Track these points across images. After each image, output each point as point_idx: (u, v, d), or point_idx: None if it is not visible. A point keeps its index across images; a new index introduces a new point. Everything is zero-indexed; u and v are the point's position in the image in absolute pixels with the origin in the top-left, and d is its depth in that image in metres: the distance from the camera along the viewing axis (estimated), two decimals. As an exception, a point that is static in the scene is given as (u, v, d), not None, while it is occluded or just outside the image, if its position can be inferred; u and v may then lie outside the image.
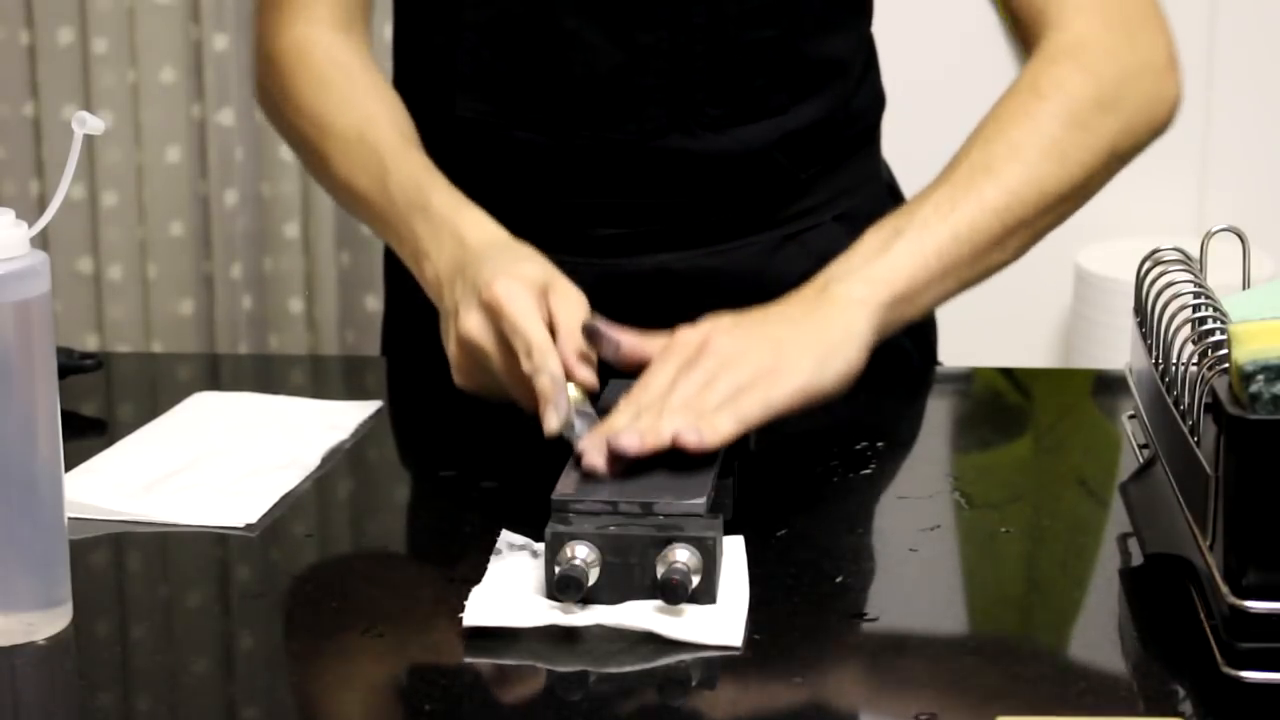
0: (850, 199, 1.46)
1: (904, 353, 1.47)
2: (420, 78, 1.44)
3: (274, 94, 1.43)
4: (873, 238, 1.23)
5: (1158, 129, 1.35)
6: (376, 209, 1.32)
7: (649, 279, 1.40)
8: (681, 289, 1.39)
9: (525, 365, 1.13)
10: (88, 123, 0.98)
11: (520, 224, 1.27)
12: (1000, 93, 1.33)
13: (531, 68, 1.37)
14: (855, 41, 1.44)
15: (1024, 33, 1.37)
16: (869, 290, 1.19)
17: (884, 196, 1.50)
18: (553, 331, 1.15)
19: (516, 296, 1.15)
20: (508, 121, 1.38)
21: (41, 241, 2.70)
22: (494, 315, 1.16)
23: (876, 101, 1.49)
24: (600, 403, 1.18)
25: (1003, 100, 1.30)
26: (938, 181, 1.27)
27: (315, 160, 1.40)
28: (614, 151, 1.37)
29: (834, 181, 1.44)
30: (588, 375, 1.14)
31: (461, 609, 1.00)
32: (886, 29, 1.50)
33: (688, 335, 1.15)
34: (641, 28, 1.35)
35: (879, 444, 1.27)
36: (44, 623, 0.99)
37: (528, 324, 1.14)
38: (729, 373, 1.12)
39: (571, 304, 1.16)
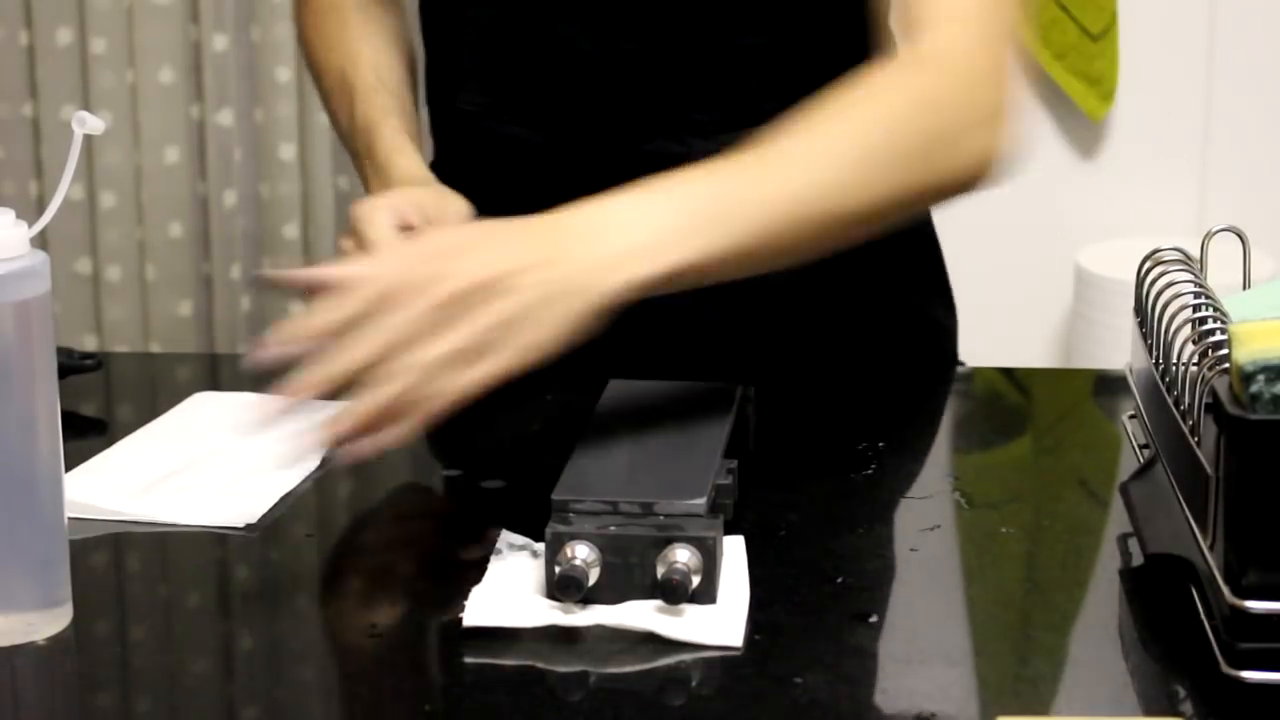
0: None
1: (916, 345, 1.48)
2: (432, 69, 1.48)
3: (301, 44, 1.52)
4: (655, 198, 1.10)
5: (972, 186, 1.22)
6: (348, 150, 1.41)
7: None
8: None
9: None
10: (87, 122, 0.98)
11: (513, 216, 1.28)
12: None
13: (527, 66, 1.38)
14: (852, 50, 1.42)
15: (882, 31, 1.30)
16: (645, 267, 1.07)
17: None
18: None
19: (367, 207, 1.21)
20: (505, 117, 1.40)
21: (40, 242, 2.69)
22: (354, 229, 1.22)
23: None
24: (602, 401, 1.18)
25: (846, 89, 1.19)
26: (747, 152, 1.14)
27: (322, 103, 1.48)
28: (603, 153, 1.38)
29: None
30: None
31: (461, 609, 1.00)
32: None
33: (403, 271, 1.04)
34: (629, 34, 1.35)
35: (879, 444, 1.27)
36: (44, 623, 0.99)
37: (370, 224, 1.19)
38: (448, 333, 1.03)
39: (440, 220, 1.21)
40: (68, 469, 1.20)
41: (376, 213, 1.22)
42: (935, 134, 1.18)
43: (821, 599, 1.04)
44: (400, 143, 1.34)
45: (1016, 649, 1.00)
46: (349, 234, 1.24)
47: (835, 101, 1.17)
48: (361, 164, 1.38)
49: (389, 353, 1.02)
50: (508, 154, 1.41)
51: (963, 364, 1.56)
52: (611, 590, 1.00)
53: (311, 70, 1.50)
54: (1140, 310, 1.12)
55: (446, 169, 1.50)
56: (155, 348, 2.70)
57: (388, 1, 1.50)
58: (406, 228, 1.22)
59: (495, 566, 1.06)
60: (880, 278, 1.47)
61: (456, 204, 1.27)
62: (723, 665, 0.96)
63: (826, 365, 1.44)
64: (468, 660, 0.97)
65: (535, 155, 1.40)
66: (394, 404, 1.03)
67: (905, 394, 1.44)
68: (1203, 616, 0.94)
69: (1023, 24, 1.25)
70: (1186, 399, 0.98)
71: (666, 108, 1.36)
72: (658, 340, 1.43)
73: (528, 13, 1.36)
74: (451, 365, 1.03)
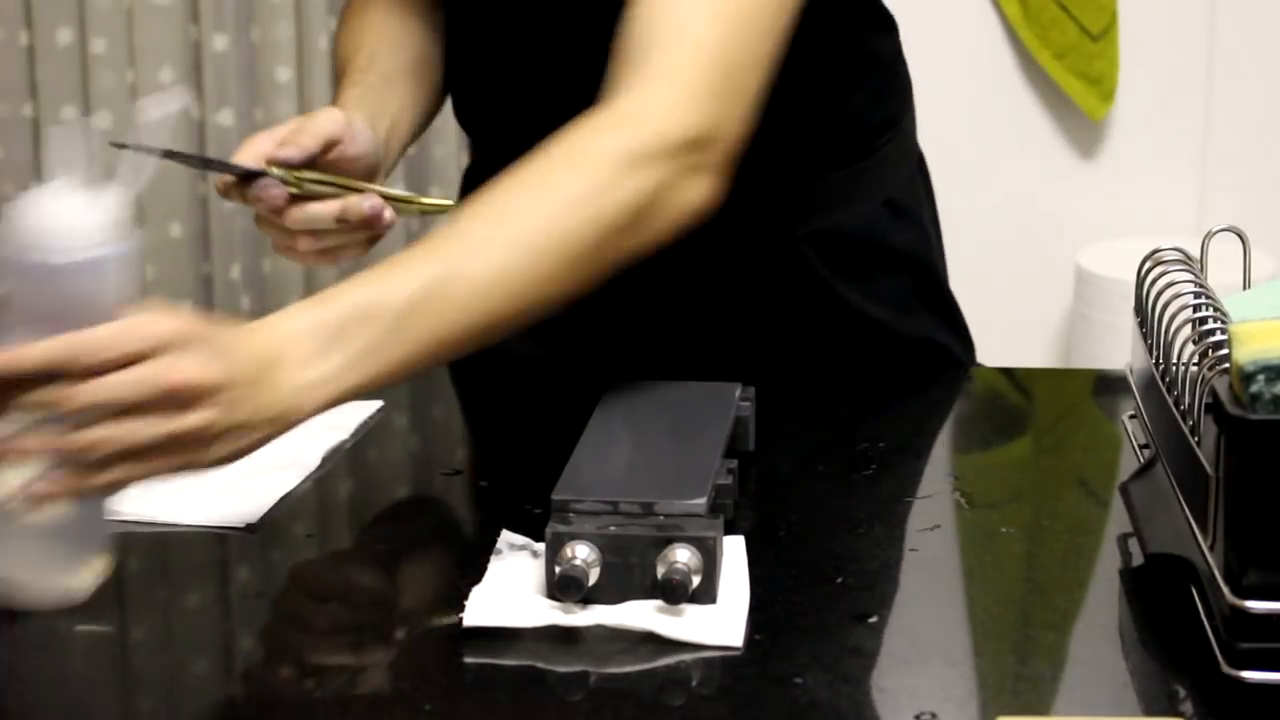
0: (836, 212, 1.42)
1: (946, 349, 1.47)
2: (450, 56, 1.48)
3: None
4: (334, 319, 1.05)
5: (679, 235, 1.18)
6: None
7: (629, 271, 1.39)
8: (658, 271, 1.38)
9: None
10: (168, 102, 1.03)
11: None
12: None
13: (509, 51, 1.39)
14: (846, 54, 1.40)
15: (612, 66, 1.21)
16: (309, 395, 1.04)
17: (876, 212, 1.44)
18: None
19: (243, 149, 1.26)
20: (494, 98, 1.40)
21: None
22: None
23: (879, 115, 1.44)
24: (602, 401, 1.18)
25: (539, 166, 1.14)
26: (432, 250, 1.10)
27: None
28: None
29: (817, 191, 1.41)
30: (280, 150, 1.24)
31: (461, 609, 1.00)
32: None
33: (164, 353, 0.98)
34: (603, 27, 1.34)
35: (879, 444, 1.27)
36: (80, 582, 1.01)
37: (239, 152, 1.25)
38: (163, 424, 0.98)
39: (316, 115, 1.27)
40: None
41: (250, 145, 1.26)
42: (610, 225, 1.13)
43: (821, 599, 1.04)
44: (347, 108, 1.34)
45: (1016, 649, 1.00)
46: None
47: (511, 192, 1.13)
48: None
49: (74, 411, 0.96)
50: (495, 136, 1.43)
51: (980, 364, 1.55)
52: (611, 590, 1.00)
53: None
54: (1140, 310, 1.12)
55: (480, 161, 1.50)
56: (155, 348, 2.70)
57: (420, 13, 1.46)
58: (284, 145, 1.26)
59: (495, 566, 1.06)
60: (868, 305, 1.45)
61: (332, 111, 1.29)
62: (723, 665, 0.96)
63: (820, 372, 1.43)
64: (468, 660, 0.97)
65: (517, 139, 1.41)
66: (69, 456, 0.97)
67: (906, 394, 1.44)
68: (1203, 616, 0.94)
69: (753, 78, 1.20)
70: (1186, 399, 0.98)
71: None
72: (658, 340, 1.43)
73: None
74: (134, 456, 0.98)
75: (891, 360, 1.44)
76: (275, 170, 1.24)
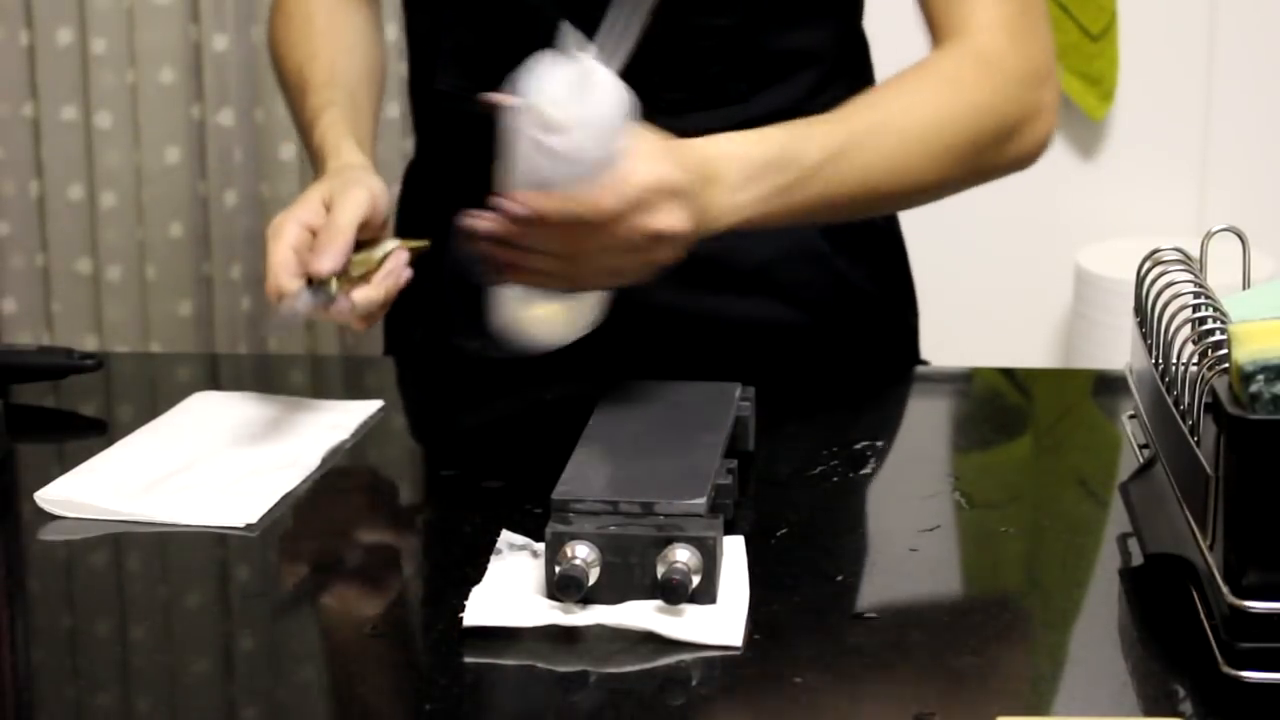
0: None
1: (883, 353, 1.50)
2: (413, 53, 1.50)
3: (268, 39, 1.54)
4: (766, 150, 1.23)
5: (1030, 160, 1.37)
6: (304, 145, 1.43)
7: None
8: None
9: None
10: None
11: (468, 191, 1.29)
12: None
13: (499, 45, 1.39)
14: (828, 36, 1.44)
15: (932, 25, 1.38)
16: (733, 211, 1.21)
17: None
18: None
19: (272, 230, 1.25)
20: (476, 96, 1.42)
21: (41, 241, 2.70)
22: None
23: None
24: (602, 402, 1.18)
25: (921, 74, 1.32)
26: (839, 118, 1.28)
27: (285, 100, 1.50)
28: None
29: None
30: (319, 264, 1.21)
31: (461, 609, 1.00)
32: (879, 25, 1.50)
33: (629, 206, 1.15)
34: (598, 10, 1.35)
35: (879, 444, 1.27)
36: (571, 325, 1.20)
37: (268, 255, 1.23)
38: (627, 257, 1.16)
39: (340, 208, 1.24)
40: (67, 469, 1.20)
41: (282, 229, 1.23)
42: (989, 134, 1.31)
43: (821, 599, 1.04)
44: (335, 137, 1.35)
45: (1016, 649, 1.00)
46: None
47: (909, 91, 1.30)
48: (310, 158, 1.40)
49: (565, 255, 1.14)
50: (484, 134, 1.42)
51: (925, 362, 1.56)
52: (611, 590, 1.00)
53: (276, 72, 1.51)
54: (1140, 310, 1.12)
55: (427, 154, 1.52)
56: (155, 348, 2.70)
57: (360, 4, 1.50)
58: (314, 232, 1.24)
59: (495, 566, 1.06)
60: (857, 282, 1.48)
61: (356, 187, 1.27)
62: (723, 665, 0.96)
63: (810, 363, 1.45)
64: (468, 660, 0.97)
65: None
66: (547, 277, 1.16)
67: (905, 394, 1.44)
68: (1202, 616, 0.94)
69: (1048, 24, 1.38)
70: (1186, 399, 0.98)
71: (636, 87, 1.37)
72: (658, 340, 1.43)
73: None
74: (606, 274, 1.17)
75: (879, 338, 1.47)
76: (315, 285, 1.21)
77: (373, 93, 1.47)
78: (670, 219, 1.14)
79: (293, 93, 1.45)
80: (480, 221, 1.13)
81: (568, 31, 1.12)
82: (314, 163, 1.39)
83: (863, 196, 1.27)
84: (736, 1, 1.36)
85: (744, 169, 1.20)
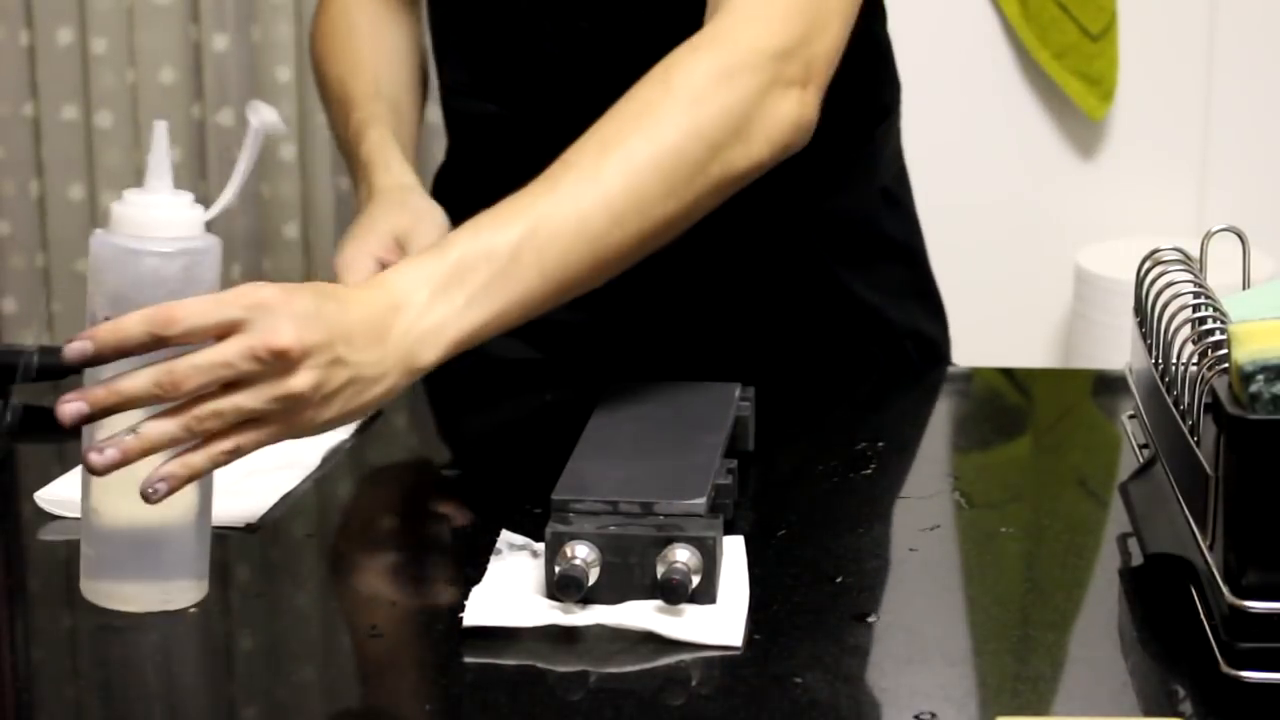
0: (835, 196, 1.44)
1: (933, 342, 1.49)
2: (436, 54, 1.49)
3: (310, 49, 1.52)
4: (455, 259, 1.07)
5: (781, 154, 1.21)
6: (345, 157, 1.42)
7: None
8: (654, 263, 1.39)
9: None
10: (261, 112, 1.01)
11: (496, 193, 1.28)
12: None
13: (496, 43, 1.39)
14: (856, 38, 1.43)
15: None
16: (436, 338, 1.06)
17: (874, 199, 1.48)
18: None
19: (344, 261, 1.23)
20: (479, 93, 1.41)
21: (41, 241, 2.70)
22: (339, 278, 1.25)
23: (873, 104, 1.47)
24: (602, 402, 1.18)
25: (637, 93, 1.17)
26: (541, 184, 1.12)
27: (324, 109, 1.49)
28: (574, 129, 1.38)
29: (814, 175, 1.43)
30: None
31: (461, 609, 1.00)
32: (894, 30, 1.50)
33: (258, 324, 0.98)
34: (583, 13, 1.36)
35: (879, 444, 1.27)
36: (181, 593, 1.03)
37: (347, 275, 1.22)
38: (272, 392, 0.99)
39: (419, 245, 1.23)
40: (66, 469, 1.20)
41: (356, 262, 1.23)
42: (728, 123, 1.15)
43: (821, 599, 1.04)
44: (384, 153, 1.35)
45: (1016, 649, 1.00)
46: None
47: (599, 135, 1.15)
48: (351, 169, 1.40)
49: (171, 390, 0.97)
50: (481, 129, 1.43)
51: (954, 364, 1.56)
52: (611, 590, 1.00)
53: (317, 81, 1.50)
54: (1140, 310, 1.12)
55: (453, 155, 1.52)
56: (155, 348, 2.70)
57: (403, 9, 1.50)
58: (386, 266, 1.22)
59: (495, 566, 1.06)
60: (866, 292, 1.47)
61: (429, 225, 1.27)
62: (723, 665, 0.96)
63: (820, 372, 1.44)
64: (468, 660, 0.97)
65: (505, 130, 1.41)
66: (166, 440, 0.97)
67: (905, 394, 1.44)
68: (1202, 616, 0.94)
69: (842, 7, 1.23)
70: (1186, 399, 0.98)
71: (622, 84, 1.37)
72: (658, 340, 1.43)
73: None
74: (241, 426, 0.99)
75: (882, 349, 1.46)
76: None
77: (416, 102, 1.47)
78: (291, 333, 0.98)
79: (335, 104, 1.44)
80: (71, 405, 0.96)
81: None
82: (356, 173, 1.38)
83: (589, 255, 1.11)
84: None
85: (430, 286, 1.05)
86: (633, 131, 1.14)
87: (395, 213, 1.30)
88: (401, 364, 1.04)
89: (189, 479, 0.98)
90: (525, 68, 1.40)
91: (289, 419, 1.00)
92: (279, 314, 0.98)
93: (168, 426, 0.97)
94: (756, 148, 1.17)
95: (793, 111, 1.19)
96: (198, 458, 0.98)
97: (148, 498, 0.96)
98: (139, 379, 0.96)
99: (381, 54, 1.45)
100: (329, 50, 1.47)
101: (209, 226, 1.02)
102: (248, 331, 0.97)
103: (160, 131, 1.01)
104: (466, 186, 1.44)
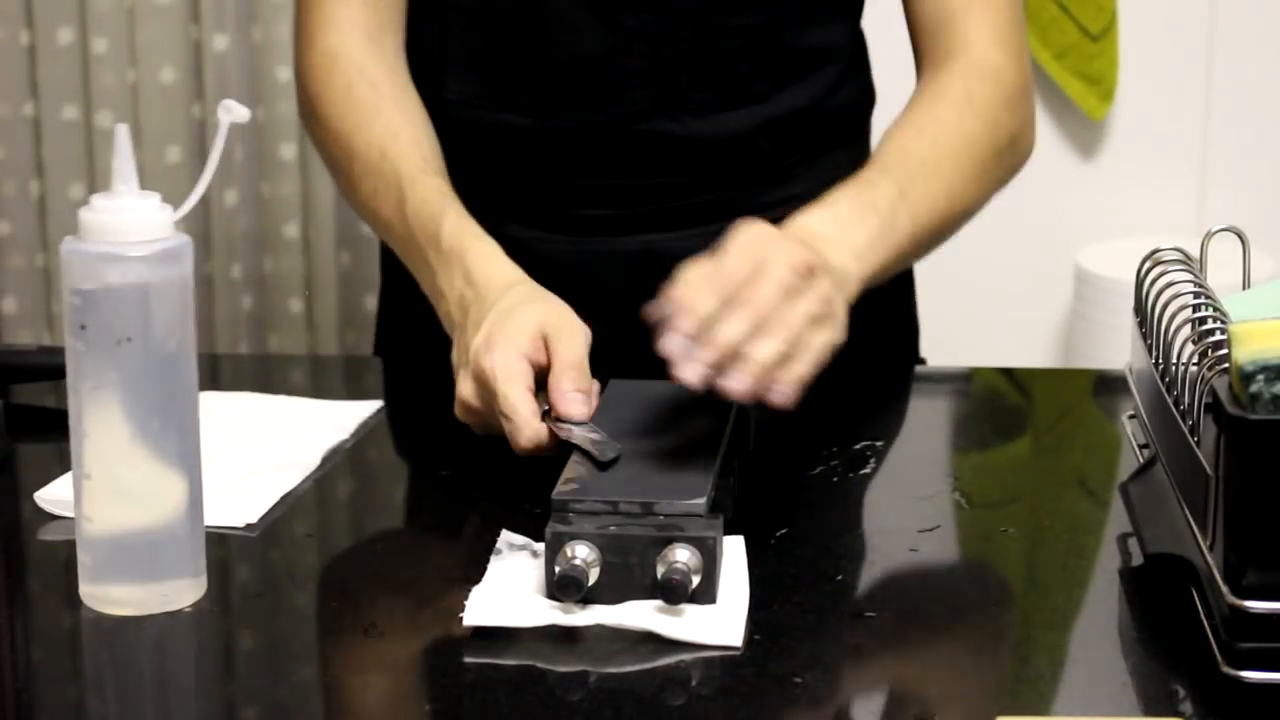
0: (833, 190, 1.45)
1: (884, 353, 1.50)
2: (413, 61, 1.43)
3: (307, 111, 1.42)
4: (849, 205, 1.26)
5: (1020, 169, 1.44)
6: (398, 238, 1.33)
7: (635, 259, 1.40)
8: (667, 269, 1.39)
9: (507, 429, 1.14)
10: (234, 111, 1.01)
11: (507, 205, 1.28)
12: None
13: (517, 49, 1.38)
14: (843, 34, 1.45)
15: (925, 40, 1.41)
16: (856, 266, 1.23)
17: None
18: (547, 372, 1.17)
19: (501, 369, 1.15)
20: (494, 104, 1.39)
21: (41, 241, 2.70)
22: (484, 386, 1.16)
23: (865, 97, 1.50)
24: (602, 402, 1.18)
25: (937, 101, 1.37)
26: (889, 164, 1.31)
27: (343, 183, 1.39)
28: (597, 133, 1.38)
29: (817, 172, 1.43)
30: (578, 411, 1.14)
31: (461, 609, 1.00)
32: (878, 26, 1.50)
33: (739, 259, 1.12)
34: (626, 10, 1.36)
35: (879, 444, 1.27)
36: (180, 592, 1.03)
37: (509, 401, 1.14)
38: (795, 304, 1.11)
39: (569, 344, 1.17)
40: (66, 469, 1.20)
41: (512, 368, 1.16)
42: (1005, 149, 1.38)
43: (821, 599, 1.04)
44: (478, 241, 1.27)
45: (1016, 649, 1.00)
46: (470, 379, 1.18)
47: (932, 121, 1.35)
48: (420, 252, 1.30)
49: (760, 320, 1.08)
50: (500, 141, 1.41)
51: (924, 361, 1.57)
52: (611, 590, 1.00)
53: (329, 146, 1.39)
54: (1140, 310, 1.12)
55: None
56: (155, 347, 2.70)
57: (400, 49, 1.42)
58: (538, 368, 1.17)
59: (495, 566, 1.06)
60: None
61: (570, 320, 1.21)
62: (723, 665, 0.96)
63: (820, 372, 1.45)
64: (468, 660, 0.97)
65: (527, 139, 1.39)
66: (779, 358, 1.08)
67: (905, 394, 1.44)
68: (1202, 616, 0.94)
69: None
70: (1186, 399, 0.98)
71: (664, 86, 1.37)
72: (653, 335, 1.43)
73: None
74: (813, 324, 1.11)
75: (864, 347, 1.47)
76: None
77: (444, 167, 1.38)
78: (798, 255, 1.12)
79: (372, 175, 1.34)
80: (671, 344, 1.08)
81: None
82: (428, 256, 1.29)
83: (924, 236, 1.31)
84: (764, 1, 1.37)
85: (838, 225, 1.24)
86: (951, 134, 1.34)
87: (536, 309, 1.21)
88: (848, 284, 1.21)
89: (808, 375, 1.10)
90: (557, 72, 1.38)
91: (828, 323, 1.12)
92: (787, 243, 1.13)
93: (773, 344, 1.08)
94: (1013, 165, 1.41)
95: (1033, 142, 1.43)
96: (800, 365, 1.10)
97: (783, 398, 1.08)
98: (734, 327, 1.07)
99: (415, 119, 1.37)
100: (346, 112, 1.37)
101: (203, 221, 1.02)
102: (775, 262, 1.10)
103: (122, 134, 1.00)
104: (467, 197, 1.40)
